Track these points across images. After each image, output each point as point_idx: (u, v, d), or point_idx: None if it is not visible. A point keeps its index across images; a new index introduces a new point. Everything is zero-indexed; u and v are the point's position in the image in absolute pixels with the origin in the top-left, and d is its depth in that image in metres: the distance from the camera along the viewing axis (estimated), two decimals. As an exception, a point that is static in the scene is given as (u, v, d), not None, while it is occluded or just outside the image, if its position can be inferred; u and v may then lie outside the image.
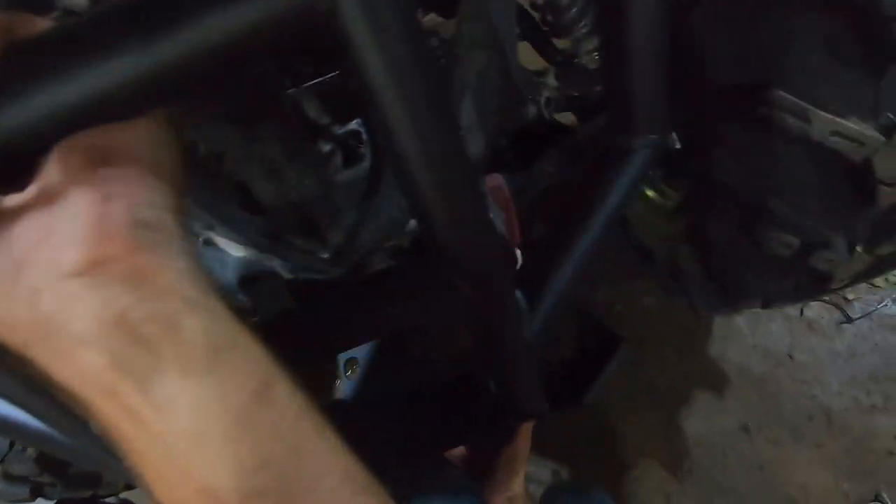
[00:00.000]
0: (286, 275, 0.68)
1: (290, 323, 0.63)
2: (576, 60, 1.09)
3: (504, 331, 0.51)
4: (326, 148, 0.79)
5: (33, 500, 1.13)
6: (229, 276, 0.66)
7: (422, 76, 0.30)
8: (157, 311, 0.24)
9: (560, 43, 1.12)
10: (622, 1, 0.42)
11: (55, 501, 1.20)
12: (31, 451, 1.04)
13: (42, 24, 0.27)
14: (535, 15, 1.08)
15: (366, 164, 0.79)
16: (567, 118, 1.30)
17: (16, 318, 0.24)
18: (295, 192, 0.58)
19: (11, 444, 1.05)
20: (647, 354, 1.37)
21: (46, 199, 0.24)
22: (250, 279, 0.67)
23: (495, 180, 1.01)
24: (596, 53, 1.05)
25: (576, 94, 1.15)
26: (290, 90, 0.60)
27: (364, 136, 0.85)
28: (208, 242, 0.69)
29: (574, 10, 0.95)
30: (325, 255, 0.65)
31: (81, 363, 0.24)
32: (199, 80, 0.27)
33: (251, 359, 0.27)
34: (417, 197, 0.34)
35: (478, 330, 0.53)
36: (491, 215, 0.88)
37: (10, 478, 1.07)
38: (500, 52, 0.61)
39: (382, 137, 0.35)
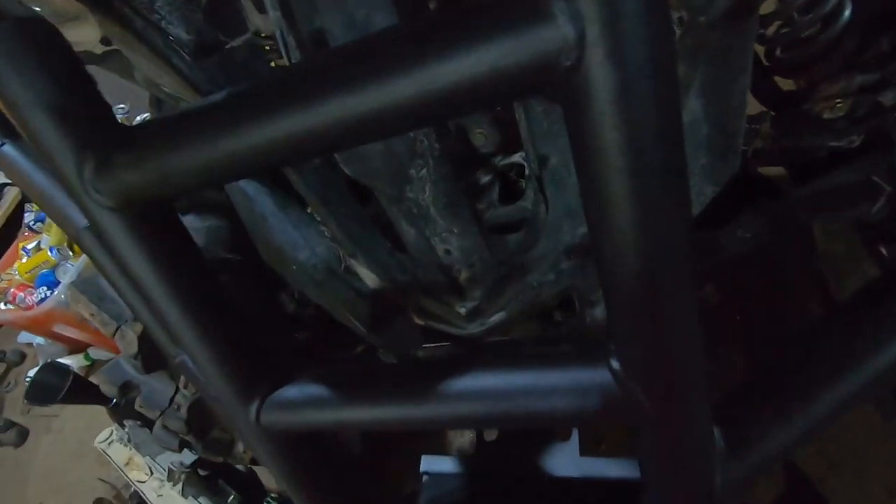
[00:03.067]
0: (419, 320, 0.61)
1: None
2: (805, 107, 0.86)
3: (689, 468, 0.36)
4: (485, 179, 0.71)
5: (180, 451, 1.26)
6: (363, 310, 0.61)
7: (659, 155, 0.25)
8: None
9: (786, 84, 0.90)
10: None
11: (196, 458, 1.32)
12: (182, 412, 1.15)
13: None
14: (759, 49, 0.88)
15: (526, 203, 0.68)
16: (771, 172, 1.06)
17: None
18: (439, 239, 0.51)
19: (170, 402, 1.17)
20: (841, 482, 1.05)
21: None
22: (382, 318, 0.61)
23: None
24: (839, 101, 0.82)
25: (795, 147, 0.91)
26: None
27: (528, 172, 0.76)
28: (349, 269, 0.65)
29: (819, 43, 0.74)
30: (462, 310, 0.57)
31: None
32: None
33: None
34: (619, 268, 0.29)
35: (657, 460, 0.38)
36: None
37: (166, 430, 1.20)
38: (719, 99, 0.46)
39: (590, 211, 0.28)
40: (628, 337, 0.33)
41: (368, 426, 0.44)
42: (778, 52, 0.80)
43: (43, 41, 0.34)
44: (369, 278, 0.64)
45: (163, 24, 0.41)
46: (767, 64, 0.85)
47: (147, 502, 1.32)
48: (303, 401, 0.46)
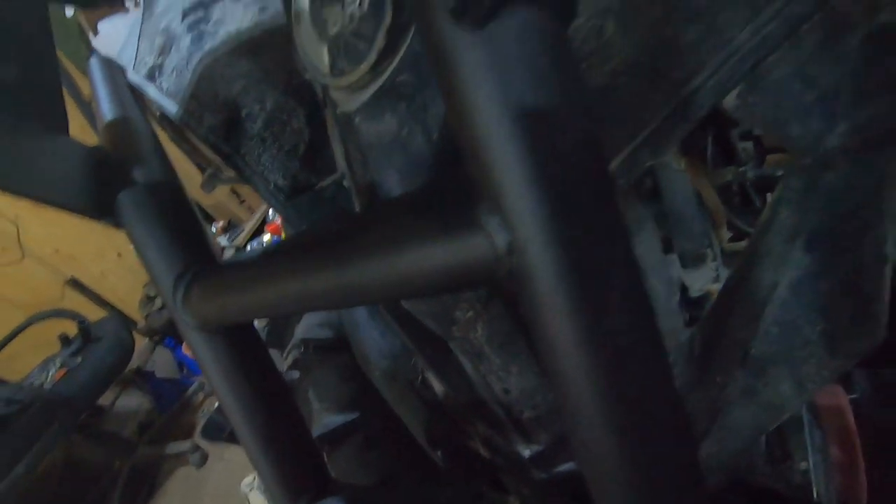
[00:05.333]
0: (484, 452, 0.57)
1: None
2: None
3: None
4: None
5: None
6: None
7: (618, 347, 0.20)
8: None
9: None
10: None
11: None
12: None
13: None
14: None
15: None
16: None
17: None
18: (496, 377, 0.47)
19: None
20: None
21: None
22: (445, 440, 0.59)
23: (832, 396, 0.65)
24: None
25: None
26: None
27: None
28: (426, 383, 0.65)
29: None
30: (526, 453, 0.51)
31: None
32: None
33: None
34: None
35: None
36: (809, 460, 0.56)
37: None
38: (841, 254, 0.35)
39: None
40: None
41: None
42: None
43: (168, 201, 0.43)
44: (444, 395, 0.62)
45: (265, 173, 0.49)
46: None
47: (267, 555, 1.41)
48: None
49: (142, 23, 0.76)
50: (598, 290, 0.19)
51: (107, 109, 0.57)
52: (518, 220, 0.18)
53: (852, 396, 0.80)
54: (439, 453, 0.60)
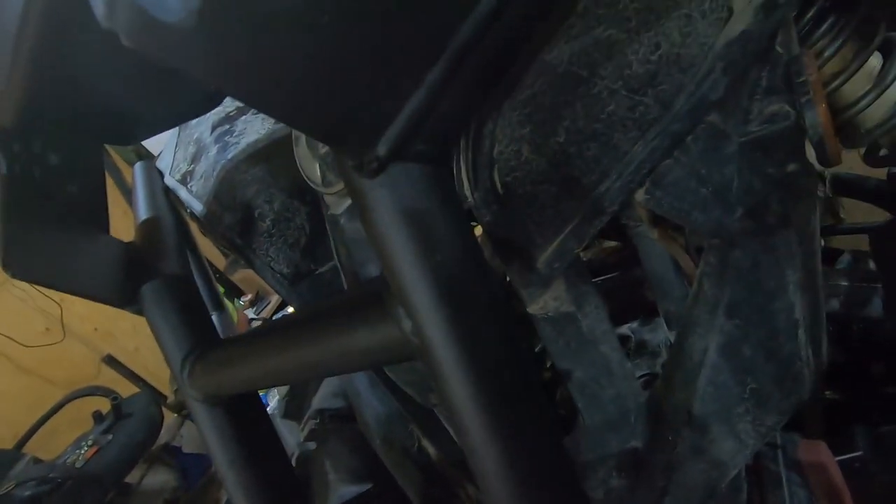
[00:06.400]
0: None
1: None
2: None
3: None
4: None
5: None
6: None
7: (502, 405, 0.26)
8: None
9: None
10: None
11: None
12: None
13: None
14: None
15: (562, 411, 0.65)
16: None
17: None
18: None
19: None
20: None
21: None
22: (437, 501, 0.62)
23: (816, 452, 0.66)
24: None
25: None
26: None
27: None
28: (423, 449, 0.68)
29: None
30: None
31: None
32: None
33: None
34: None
35: None
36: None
37: None
38: (757, 321, 0.40)
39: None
40: None
41: None
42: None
43: (182, 292, 0.51)
44: (437, 459, 0.66)
45: (271, 263, 0.57)
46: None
47: None
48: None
49: (179, 133, 0.90)
50: (480, 358, 0.25)
51: (142, 210, 0.68)
52: (415, 310, 0.25)
53: (856, 454, 0.80)
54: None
